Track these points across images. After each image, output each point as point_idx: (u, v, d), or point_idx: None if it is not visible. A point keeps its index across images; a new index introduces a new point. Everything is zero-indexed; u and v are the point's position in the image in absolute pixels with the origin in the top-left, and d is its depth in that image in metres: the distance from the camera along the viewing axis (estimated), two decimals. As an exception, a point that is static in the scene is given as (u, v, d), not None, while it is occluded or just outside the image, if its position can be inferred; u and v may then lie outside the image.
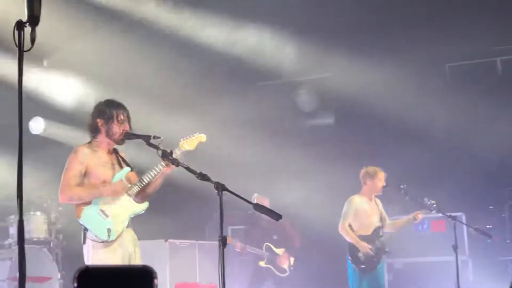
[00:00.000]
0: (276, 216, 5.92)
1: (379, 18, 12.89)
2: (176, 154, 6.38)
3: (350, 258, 9.96)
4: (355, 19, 12.86)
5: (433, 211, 10.01)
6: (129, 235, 6.47)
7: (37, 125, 12.75)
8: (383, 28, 13.03)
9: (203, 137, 6.63)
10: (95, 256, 6.14)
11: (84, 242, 6.24)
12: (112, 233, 6.19)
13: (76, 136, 11.64)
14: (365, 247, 9.87)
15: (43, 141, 12.95)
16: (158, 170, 6.39)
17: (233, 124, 14.28)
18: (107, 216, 6.23)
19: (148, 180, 6.41)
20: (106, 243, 6.17)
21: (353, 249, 9.95)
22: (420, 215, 10.07)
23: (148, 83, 13.85)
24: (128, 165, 6.56)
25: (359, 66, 13.59)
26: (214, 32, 12.83)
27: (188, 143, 6.50)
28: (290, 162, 14.11)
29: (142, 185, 6.41)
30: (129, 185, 6.41)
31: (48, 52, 13.08)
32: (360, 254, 9.90)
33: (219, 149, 13.71)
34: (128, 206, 6.43)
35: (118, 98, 6.75)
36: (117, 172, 6.43)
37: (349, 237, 9.98)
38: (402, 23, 13.06)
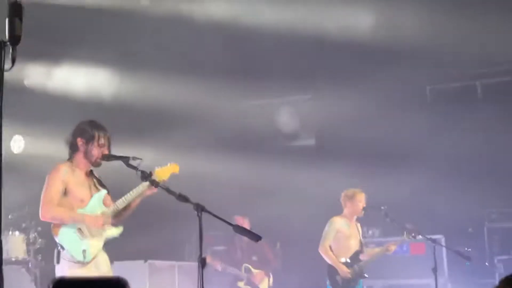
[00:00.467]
0: (255, 237, 5.92)
1: (359, 40, 12.95)
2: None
3: (328, 280, 9.94)
4: (335, 42, 12.93)
5: (412, 238, 9.99)
6: (103, 258, 6.43)
7: (17, 144, 12.68)
8: (364, 50, 13.10)
9: (176, 168, 6.57)
10: (70, 275, 6.03)
11: (58, 262, 6.20)
12: (87, 255, 6.15)
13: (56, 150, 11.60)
14: (344, 271, 9.85)
15: (23, 160, 12.88)
16: (138, 192, 6.35)
17: (212, 142, 14.29)
18: (84, 237, 6.19)
19: (125, 203, 6.38)
20: (82, 263, 6.12)
21: (331, 271, 9.94)
22: (393, 247, 10.10)
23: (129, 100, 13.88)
24: (104, 187, 6.53)
25: (340, 88, 13.66)
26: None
27: (161, 173, 6.44)
28: (270, 183, 14.09)
29: (118, 208, 6.39)
30: (105, 209, 6.38)
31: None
32: (338, 277, 9.88)
33: (198, 169, 13.71)
34: (105, 230, 6.39)
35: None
36: (94, 192, 6.39)
37: (329, 258, 9.96)
38: (384, 45, 13.16)
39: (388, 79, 13.27)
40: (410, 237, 9.95)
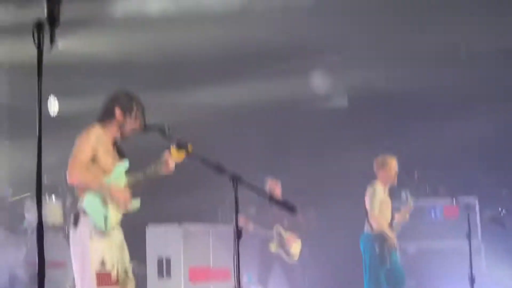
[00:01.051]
0: (291, 209, 5.92)
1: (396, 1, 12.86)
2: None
3: (377, 248, 9.70)
4: (372, 2, 12.84)
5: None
6: (119, 230, 6.46)
7: (52, 105, 12.73)
8: (398, 9, 13.01)
9: (190, 148, 6.51)
10: (92, 243, 6.08)
11: (75, 225, 6.17)
12: (108, 224, 6.17)
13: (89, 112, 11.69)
14: (393, 239, 9.68)
15: (57, 122, 12.97)
16: (158, 169, 6.38)
17: (245, 106, 14.30)
18: (106, 206, 6.21)
19: (144, 178, 6.42)
20: (101, 232, 6.16)
21: (381, 238, 9.67)
22: (407, 215, 9.97)
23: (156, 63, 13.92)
24: (125, 157, 6.52)
25: (374, 49, 13.59)
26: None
27: (175, 154, 6.41)
28: (303, 146, 14.11)
29: (139, 180, 6.43)
30: (128, 178, 6.42)
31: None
32: (385, 245, 9.66)
33: (232, 132, 13.76)
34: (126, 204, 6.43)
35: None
36: (117, 162, 6.39)
37: (382, 227, 9.71)
38: (419, 7, 13.06)
39: (423, 39, 13.17)
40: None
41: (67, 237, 10.29)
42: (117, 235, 6.39)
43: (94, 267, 6.04)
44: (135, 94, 6.55)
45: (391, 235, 9.73)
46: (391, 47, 13.37)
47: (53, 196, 10.61)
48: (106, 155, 6.32)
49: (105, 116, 6.42)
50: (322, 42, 13.87)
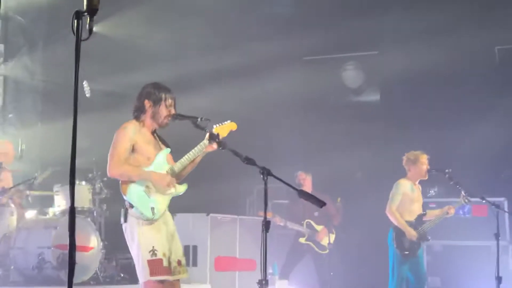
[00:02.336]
0: (320, 203, 5.93)
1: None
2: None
3: (394, 242, 9.87)
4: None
5: (467, 201, 9.91)
6: (169, 216, 6.52)
7: (85, 89, 12.82)
8: (433, 6, 12.95)
9: (234, 125, 6.59)
10: (141, 233, 6.16)
11: (125, 220, 6.25)
12: (156, 212, 6.23)
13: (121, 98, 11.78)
14: (411, 234, 9.79)
15: (88, 106, 13.05)
16: (200, 150, 6.42)
17: (277, 98, 14.32)
18: (152, 194, 6.27)
19: (189, 160, 6.46)
20: (150, 221, 6.24)
21: (398, 233, 9.86)
22: (452, 210, 9.98)
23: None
24: (167, 145, 6.60)
25: (407, 44, 13.55)
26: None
27: (220, 130, 6.50)
28: (334, 139, 14.09)
29: (183, 166, 6.46)
30: (170, 166, 6.46)
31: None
32: (404, 240, 9.83)
33: (263, 124, 13.78)
34: (170, 188, 6.47)
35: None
36: (158, 151, 6.47)
37: (397, 221, 9.87)
38: (453, 3, 12.99)
39: (456, 37, 13.11)
40: (466, 200, 9.88)
41: (94, 220, 10.45)
42: (168, 224, 6.45)
43: (145, 255, 6.11)
44: (163, 84, 6.60)
45: (409, 229, 9.80)
46: (426, 42, 13.35)
47: (84, 182, 10.66)
48: (146, 145, 6.39)
49: (138, 112, 6.51)
50: (356, 35, 13.86)
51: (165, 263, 6.17)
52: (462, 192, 9.89)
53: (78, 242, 9.59)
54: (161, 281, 6.15)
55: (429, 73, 13.22)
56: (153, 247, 6.14)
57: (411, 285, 9.83)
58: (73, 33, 3.72)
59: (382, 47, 14.42)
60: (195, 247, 10.96)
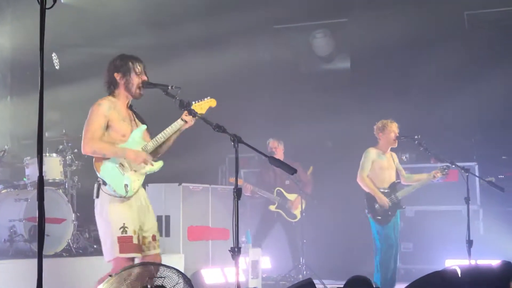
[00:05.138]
0: (291, 170, 5.91)
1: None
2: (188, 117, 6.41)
3: (367, 208, 9.95)
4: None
5: (445, 170, 10.00)
6: (142, 192, 6.48)
7: (54, 61, 12.72)
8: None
9: (213, 102, 6.55)
10: (112, 209, 6.12)
11: (97, 196, 6.20)
12: (129, 189, 6.19)
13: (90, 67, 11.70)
14: (383, 200, 9.86)
15: (58, 77, 12.93)
16: (176, 127, 6.40)
17: (247, 66, 14.28)
18: (125, 171, 6.23)
19: (164, 138, 6.43)
20: (123, 198, 6.19)
21: (370, 200, 9.93)
22: (439, 174, 10.05)
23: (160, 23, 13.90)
24: (143, 122, 6.55)
25: (376, 11, 13.56)
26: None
27: (199, 107, 6.47)
28: (305, 106, 14.11)
29: (158, 143, 6.43)
30: (145, 143, 6.43)
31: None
32: (376, 206, 9.90)
33: (233, 91, 13.74)
34: (144, 164, 6.47)
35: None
36: (134, 127, 6.43)
37: (367, 187, 9.96)
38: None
39: (425, 3, 13.14)
40: (443, 170, 9.97)
41: (65, 192, 10.39)
42: (141, 200, 6.42)
43: (115, 232, 6.08)
44: (129, 54, 6.54)
45: (380, 195, 9.89)
46: (394, 10, 13.37)
47: (54, 154, 10.59)
48: (122, 121, 6.33)
49: (110, 86, 6.45)
50: (326, 3, 13.84)
51: (135, 240, 6.14)
52: (433, 160, 9.96)
53: (50, 214, 9.64)
54: (131, 259, 6.11)
55: (399, 40, 13.25)
56: (124, 223, 6.10)
57: (381, 251, 9.91)
58: (38, 1, 3.66)
59: (352, 15, 14.41)
60: (167, 217, 10.94)
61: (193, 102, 6.43)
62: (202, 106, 6.48)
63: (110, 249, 6.11)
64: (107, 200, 6.15)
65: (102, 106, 6.26)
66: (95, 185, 6.24)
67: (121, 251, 6.06)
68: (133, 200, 6.27)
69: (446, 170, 10.03)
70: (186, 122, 6.40)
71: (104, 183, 6.16)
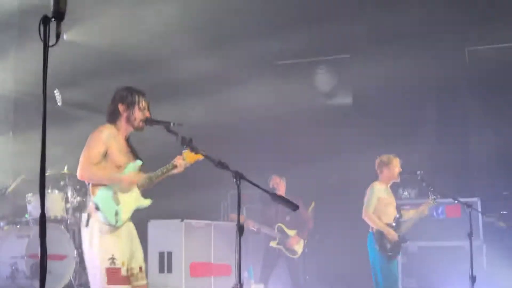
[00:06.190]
0: (293, 206, 5.92)
1: (398, 0, 12.89)
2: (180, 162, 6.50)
3: (377, 245, 9.84)
4: (375, 1, 12.85)
5: (435, 201, 9.99)
6: (131, 224, 6.49)
7: (57, 100, 12.75)
8: (402, 9, 13.02)
9: (201, 155, 6.60)
10: (101, 240, 6.11)
11: (87, 225, 6.19)
12: (119, 219, 6.20)
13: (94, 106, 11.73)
14: (393, 234, 9.81)
15: (61, 115, 12.95)
16: (169, 169, 6.48)
17: (249, 103, 14.31)
18: (118, 202, 6.25)
19: (157, 177, 6.48)
20: (113, 228, 6.19)
21: (379, 236, 9.85)
22: (426, 211, 10.05)
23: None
24: (139, 158, 6.58)
25: (378, 48, 13.61)
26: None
27: (187, 155, 6.53)
28: (306, 143, 14.12)
29: (152, 182, 6.49)
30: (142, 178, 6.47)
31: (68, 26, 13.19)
32: (386, 241, 9.83)
33: (235, 129, 13.76)
34: (136, 198, 6.47)
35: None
36: (130, 161, 6.45)
37: (376, 224, 9.85)
38: (421, 6, 13.06)
39: (427, 40, 13.20)
40: (433, 201, 9.95)
41: (67, 228, 10.38)
42: (129, 231, 6.42)
43: (104, 263, 6.07)
44: (136, 87, 6.58)
45: (389, 230, 9.83)
46: (397, 47, 13.41)
47: (56, 190, 10.60)
48: (119, 152, 6.36)
49: (112, 116, 6.47)
50: (328, 40, 13.90)
51: (123, 272, 6.14)
52: (430, 194, 9.96)
53: (52, 251, 9.61)
54: None
55: (401, 76, 13.27)
56: (112, 255, 6.10)
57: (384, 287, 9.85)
58: (41, 39, 3.68)
59: (354, 51, 14.48)
60: (169, 254, 10.92)
61: (184, 151, 6.48)
62: (190, 156, 6.53)
63: (98, 280, 6.11)
64: (97, 230, 6.14)
65: (103, 133, 6.28)
66: (84, 215, 6.26)
67: (108, 282, 6.05)
68: (122, 231, 6.26)
69: (434, 201, 10.01)
70: (176, 167, 6.48)
71: (97, 208, 6.15)
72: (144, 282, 6.42)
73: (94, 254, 6.13)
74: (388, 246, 9.83)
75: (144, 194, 6.60)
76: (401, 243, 9.96)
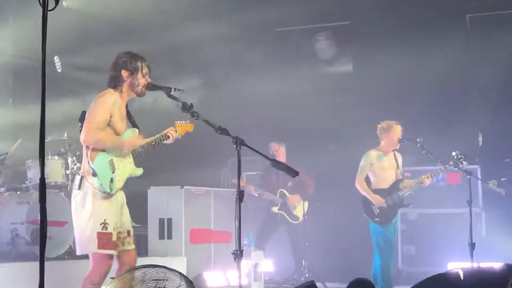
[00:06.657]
0: (293, 172, 5.92)
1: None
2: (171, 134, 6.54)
3: (364, 211, 9.93)
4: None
5: (445, 169, 9.96)
6: (122, 193, 6.49)
7: (57, 65, 12.69)
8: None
9: (191, 127, 6.64)
10: (95, 204, 6.11)
11: (79, 188, 6.19)
12: (113, 186, 6.20)
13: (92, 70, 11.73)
14: (378, 200, 9.85)
15: (60, 82, 12.92)
16: (162, 139, 6.49)
17: (249, 70, 14.28)
18: (114, 169, 6.24)
19: (151, 146, 6.50)
20: (106, 194, 6.18)
21: (366, 202, 9.93)
22: (427, 180, 10.01)
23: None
24: (135, 123, 6.57)
25: (379, 13, 13.55)
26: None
27: (180, 128, 6.58)
28: (307, 109, 14.09)
29: (147, 150, 6.50)
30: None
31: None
32: (373, 207, 9.88)
33: (236, 94, 13.74)
34: (130, 167, 6.49)
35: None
36: (128, 127, 6.45)
37: (361, 190, 9.97)
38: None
39: (427, 7, 13.14)
40: (444, 167, 9.91)
41: (67, 195, 10.38)
42: (120, 198, 6.42)
43: (96, 227, 6.07)
44: (136, 53, 6.55)
45: (374, 196, 9.88)
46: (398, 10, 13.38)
47: (56, 157, 10.59)
48: (119, 121, 6.35)
49: (115, 82, 6.43)
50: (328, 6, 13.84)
51: (114, 238, 6.16)
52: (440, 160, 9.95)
53: (52, 217, 9.62)
54: (109, 255, 6.16)
55: (402, 42, 13.22)
56: (105, 220, 6.12)
57: (382, 252, 9.87)
58: (40, 3, 3.65)
59: (354, 17, 14.41)
60: (169, 220, 10.94)
61: (177, 121, 6.49)
62: (182, 127, 6.54)
63: (87, 243, 6.14)
64: (90, 193, 6.14)
65: (108, 100, 6.26)
66: (78, 177, 6.26)
67: (99, 247, 6.09)
68: (114, 198, 6.27)
69: (439, 173, 10.03)
70: (169, 137, 6.53)
71: (94, 174, 6.14)
72: (132, 247, 6.44)
73: (86, 218, 6.13)
74: (376, 212, 9.85)
75: (142, 163, 6.61)
76: (397, 209, 9.93)
